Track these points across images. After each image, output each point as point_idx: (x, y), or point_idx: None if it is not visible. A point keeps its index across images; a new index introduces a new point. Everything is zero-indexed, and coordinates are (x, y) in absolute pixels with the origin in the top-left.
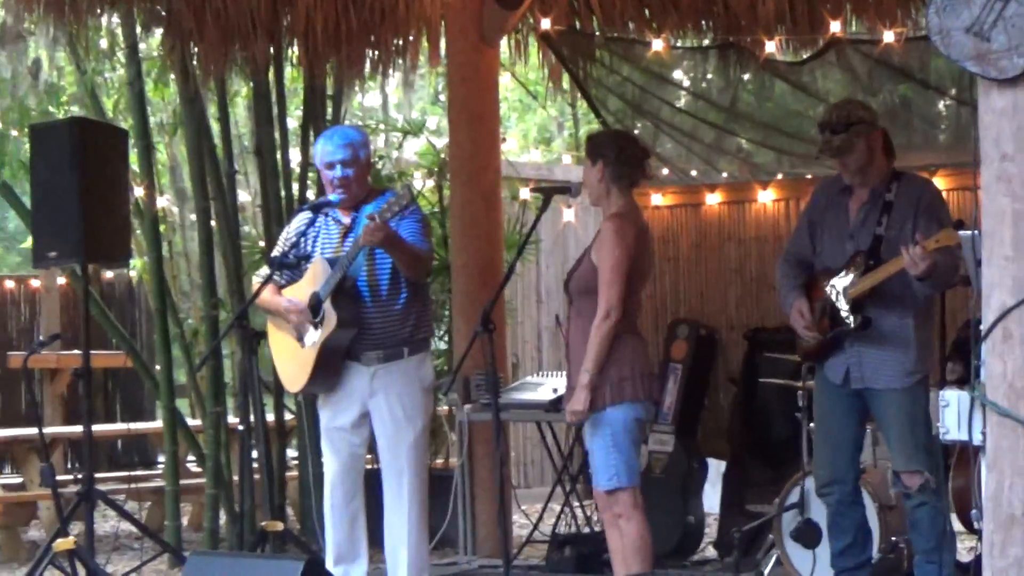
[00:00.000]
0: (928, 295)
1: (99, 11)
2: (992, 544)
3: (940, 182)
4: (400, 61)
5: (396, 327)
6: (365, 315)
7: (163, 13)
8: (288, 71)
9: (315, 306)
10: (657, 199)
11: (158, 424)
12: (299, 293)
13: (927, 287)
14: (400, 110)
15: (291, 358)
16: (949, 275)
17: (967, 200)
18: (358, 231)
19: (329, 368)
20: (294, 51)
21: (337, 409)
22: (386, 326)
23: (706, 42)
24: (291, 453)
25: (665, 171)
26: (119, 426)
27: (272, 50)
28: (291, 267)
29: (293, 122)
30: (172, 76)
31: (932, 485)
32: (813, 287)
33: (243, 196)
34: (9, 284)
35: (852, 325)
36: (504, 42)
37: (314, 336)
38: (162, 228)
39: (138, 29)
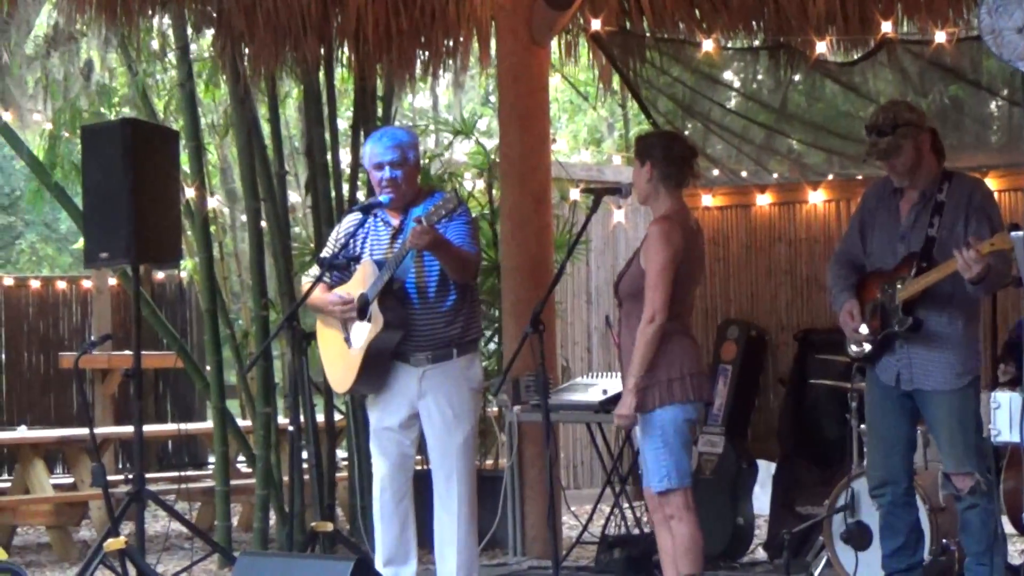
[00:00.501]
0: (979, 297)
1: (150, 12)
2: None
3: (992, 183)
4: (450, 62)
5: (444, 328)
6: (412, 317)
7: (214, 14)
8: (339, 72)
9: (363, 307)
10: (707, 200)
11: (208, 424)
12: (346, 294)
13: (980, 290)
14: (450, 111)
15: (339, 359)
16: (1002, 277)
17: (1019, 201)
18: (407, 233)
19: (376, 369)
20: (345, 52)
21: (386, 410)
22: (434, 327)
23: (756, 43)
24: (341, 454)
25: (715, 172)
26: (170, 426)
27: (323, 51)
28: (340, 268)
29: (343, 123)
30: (223, 77)
31: (983, 487)
32: (864, 288)
33: (293, 197)
34: (61, 285)
35: (902, 327)
36: (554, 43)
37: (361, 334)
38: (213, 229)
39: (189, 30)
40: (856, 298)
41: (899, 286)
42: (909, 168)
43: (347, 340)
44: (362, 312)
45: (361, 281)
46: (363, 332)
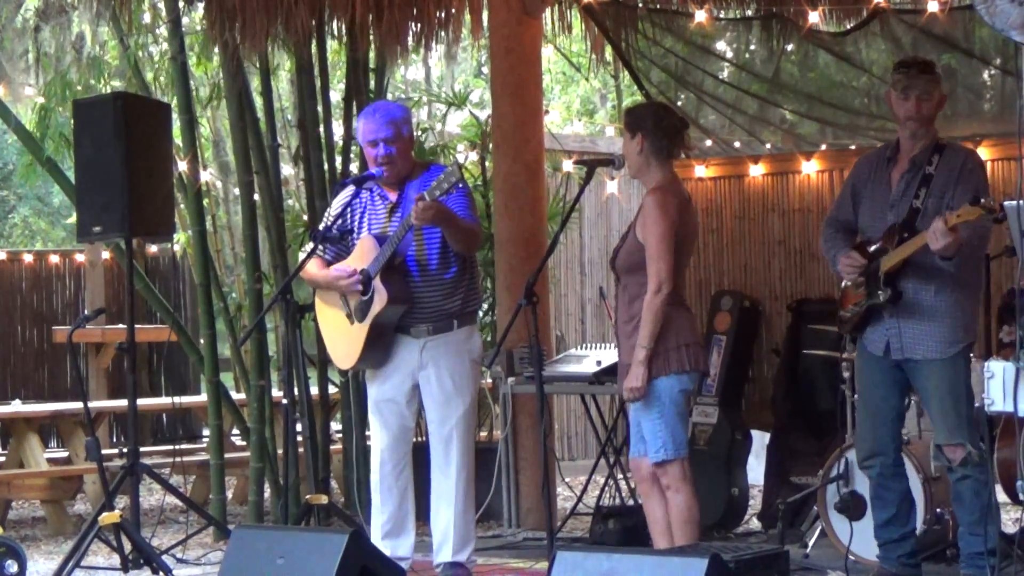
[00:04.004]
0: (956, 269)
1: None
2: None
3: (985, 152)
4: (443, 33)
5: (445, 300)
6: (415, 290)
7: None
8: (330, 44)
9: (365, 283)
10: (700, 171)
11: (202, 398)
12: (346, 268)
13: (952, 264)
14: (443, 82)
15: (342, 335)
16: (976, 250)
17: (1012, 171)
18: (405, 208)
19: (380, 344)
20: (336, 23)
21: (387, 382)
22: (435, 300)
23: (749, 13)
24: (335, 426)
25: (708, 143)
26: (164, 400)
27: (314, 23)
28: (334, 241)
29: (336, 95)
30: (215, 50)
31: (975, 458)
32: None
33: (286, 170)
34: (54, 259)
35: (883, 298)
36: (547, 14)
37: (364, 309)
38: (206, 202)
39: (180, 3)
40: (856, 251)
41: (882, 258)
42: (932, 115)
43: (349, 316)
44: (364, 288)
45: (361, 256)
46: (367, 308)
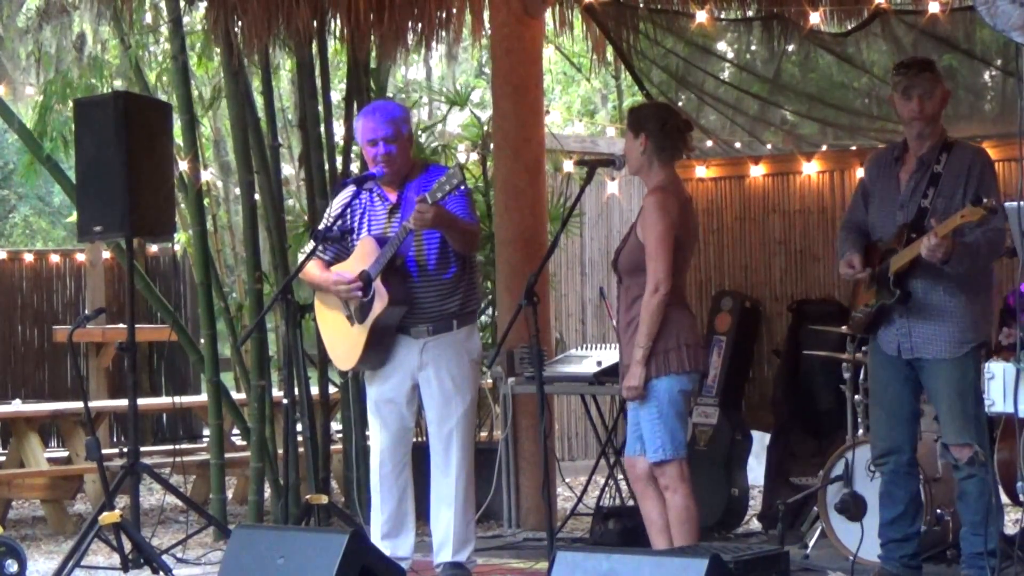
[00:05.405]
0: (970, 270)
1: None
2: None
3: None
4: (443, 33)
5: (444, 301)
6: (415, 291)
7: None
8: (331, 44)
9: (365, 285)
10: (701, 171)
11: (203, 398)
12: (347, 271)
13: (953, 268)
14: (443, 83)
15: (342, 337)
16: (976, 256)
17: (1013, 171)
18: (405, 208)
19: (381, 345)
20: (337, 23)
21: (387, 382)
22: (435, 300)
23: (750, 13)
24: (335, 426)
25: (709, 143)
26: (164, 400)
27: (315, 23)
28: (335, 240)
29: (336, 95)
30: (216, 49)
31: (981, 458)
32: (868, 258)
33: (287, 169)
34: (55, 258)
35: (891, 299)
36: (548, 14)
37: (365, 311)
38: (206, 202)
39: (182, 3)
40: (862, 254)
41: (891, 258)
42: (935, 113)
43: (349, 318)
44: (364, 289)
45: (361, 258)
46: (367, 309)
